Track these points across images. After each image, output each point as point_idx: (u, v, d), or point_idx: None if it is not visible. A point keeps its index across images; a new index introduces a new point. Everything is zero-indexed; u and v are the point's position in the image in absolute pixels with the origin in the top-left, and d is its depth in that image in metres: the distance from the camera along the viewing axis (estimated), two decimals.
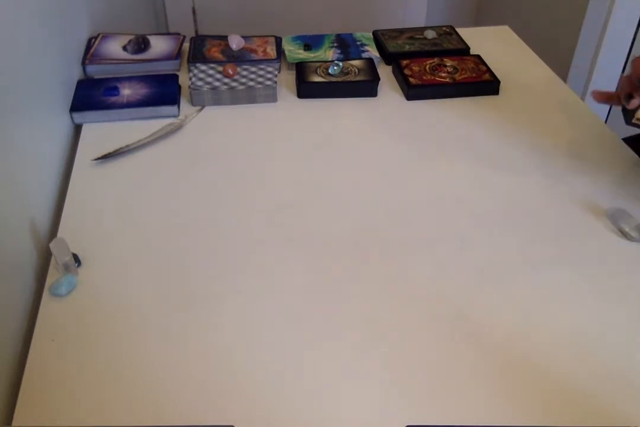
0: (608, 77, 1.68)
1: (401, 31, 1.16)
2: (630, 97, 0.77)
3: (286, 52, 1.10)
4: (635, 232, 0.71)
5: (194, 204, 0.78)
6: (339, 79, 1.00)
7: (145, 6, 2.00)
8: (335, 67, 1.01)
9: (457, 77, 1.01)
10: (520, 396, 0.56)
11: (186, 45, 1.12)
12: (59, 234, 0.73)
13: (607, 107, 1.70)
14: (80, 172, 0.84)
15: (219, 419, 0.54)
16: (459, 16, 2.47)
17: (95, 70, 1.04)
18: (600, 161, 0.85)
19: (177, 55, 1.07)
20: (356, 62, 1.05)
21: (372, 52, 1.10)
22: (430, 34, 1.14)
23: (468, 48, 1.11)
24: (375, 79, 1.01)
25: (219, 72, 1.01)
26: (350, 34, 1.15)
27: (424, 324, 0.62)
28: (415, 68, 1.03)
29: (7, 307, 0.62)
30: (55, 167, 0.84)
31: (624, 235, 0.72)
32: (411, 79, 1.01)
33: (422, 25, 2.10)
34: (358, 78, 1.01)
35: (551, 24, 1.84)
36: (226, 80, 0.99)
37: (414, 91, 1.00)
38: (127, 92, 0.97)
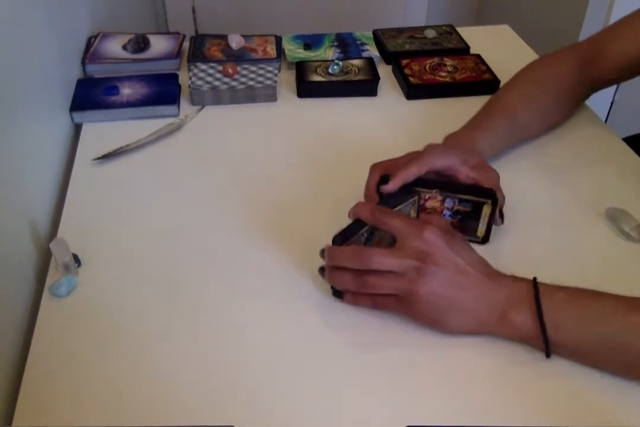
0: None
1: (401, 30, 1.16)
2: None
3: (286, 52, 1.10)
4: (635, 232, 0.71)
5: (194, 204, 0.78)
6: (339, 78, 1.00)
7: (145, 5, 2.00)
8: (335, 67, 1.01)
9: (457, 76, 1.01)
10: (521, 396, 0.56)
11: (186, 44, 1.12)
12: (59, 234, 0.73)
13: (607, 107, 1.69)
14: (80, 171, 0.83)
15: (219, 419, 0.54)
16: (459, 15, 2.47)
17: (95, 70, 1.04)
18: (600, 161, 0.85)
19: (177, 54, 1.07)
20: (356, 62, 1.05)
21: (372, 51, 1.10)
22: (430, 33, 1.14)
23: (468, 47, 1.11)
24: (375, 78, 1.01)
25: (219, 72, 1.01)
26: (350, 33, 1.15)
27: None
28: (415, 67, 1.03)
29: (7, 307, 0.62)
30: (55, 167, 0.84)
31: (624, 235, 0.72)
32: (411, 79, 1.00)
33: (422, 24, 2.10)
34: (358, 77, 1.01)
35: (551, 23, 1.84)
36: (226, 79, 0.99)
37: (414, 90, 0.99)
38: (127, 91, 0.97)
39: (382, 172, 0.71)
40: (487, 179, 0.70)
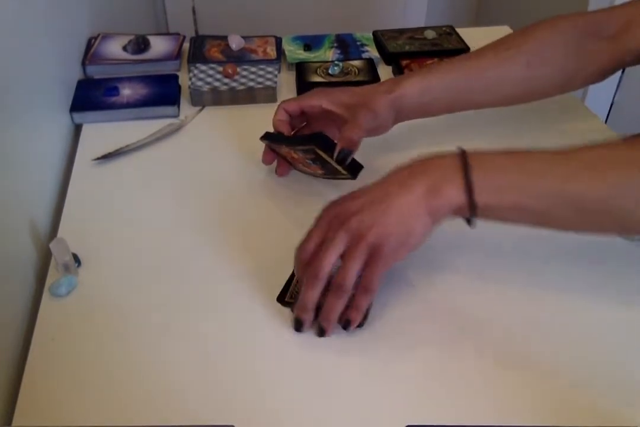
0: None
1: (401, 31, 1.16)
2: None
3: (286, 52, 1.10)
4: None
5: (194, 204, 0.78)
6: (339, 79, 1.00)
7: (145, 6, 2.00)
8: (335, 68, 1.01)
9: None
10: (521, 396, 0.56)
11: (186, 45, 1.12)
12: (59, 234, 0.73)
13: (607, 107, 1.70)
14: (81, 172, 0.84)
15: (219, 419, 0.54)
16: (459, 16, 2.47)
17: (95, 71, 1.04)
18: None
19: (177, 55, 1.07)
20: (356, 63, 1.05)
21: (372, 52, 1.10)
22: (430, 34, 1.14)
23: (468, 48, 1.11)
24: (375, 79, 1.01)
25: (219, 72, 1.01)
26: (350, 34, 1.15)
27: (424, 323, 0.62)
28: (416, 68, 1.03)
29: (7, 307, 0.62)
30: (55, 167, 0.84)
31: (624, 235, 0.72)
32: None
33: (422, 25, 2.10)
34: (358, 78, 1.01)
35: None
36: (226, 80, 0.99)
37: None
38: (127, 92, 0.97)
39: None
40: (350, 116, 0.73)
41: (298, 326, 0.60)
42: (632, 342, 0.61)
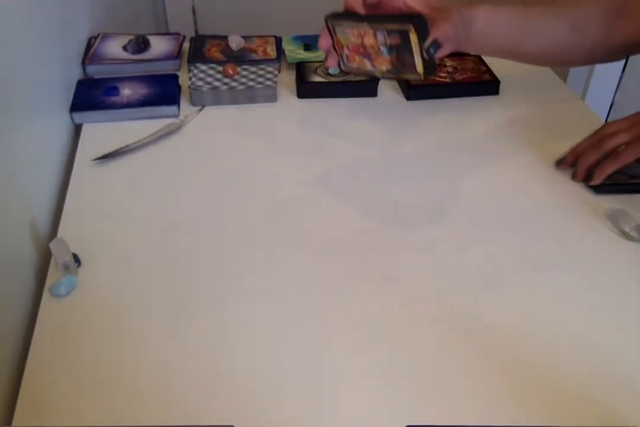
0: (608, 77, 1.68)
1: None
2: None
3: (286, 52, 1.10)
4: (635, 232, 0.71)
5: (193, 204, 0.78)
6: (339, 79, 1.00)
7: (145, 6, 2.00)
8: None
9: (457, 77, 1.01)
10: (521, 396, 0.56)
11: (186, 45, 1.12)
12: (59, 234, 0.73)
13: (607, 107, 1.70)
14: (80, 172, 0.84)
15: (219, 419, 0.54)
16: None
17: (95, 70, 1.04)
18: None
19: (177, 55, 1.07)
20: None
21: None
22: None
23: None
24: (375, 79, 1.01)
25: (219, 72, 1.01)
26: None
27: (424, 323, 0.62)
28: None
29: (7, 307, 0.62)
30: (55, 167, 0.84)
31: (624, 235, 0.72)
32: None
33: None
34: (358, 78, 1.01)
35: None
36: (226, 80, 0.99)
37: (413, 91, 0.99)
38: (127, 92, 0.97)
39: None
40: (438, 15, 0.69)
41: (559, 162, 0.82)
42: (632, 342, 0.61)
